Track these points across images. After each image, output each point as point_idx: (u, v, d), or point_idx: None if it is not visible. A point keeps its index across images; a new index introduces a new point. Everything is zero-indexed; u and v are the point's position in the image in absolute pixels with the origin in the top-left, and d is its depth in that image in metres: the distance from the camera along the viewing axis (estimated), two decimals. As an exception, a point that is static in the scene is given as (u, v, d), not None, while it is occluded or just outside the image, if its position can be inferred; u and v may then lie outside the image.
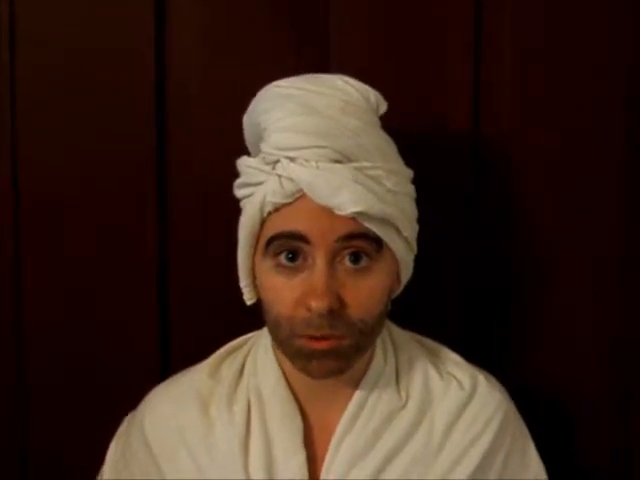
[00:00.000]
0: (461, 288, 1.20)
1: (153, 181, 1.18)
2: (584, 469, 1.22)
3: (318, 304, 0.86)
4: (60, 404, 1.21)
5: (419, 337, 1.07)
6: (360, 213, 0.87)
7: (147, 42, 1.16)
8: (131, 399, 1.05)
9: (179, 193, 1.19)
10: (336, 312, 0.88)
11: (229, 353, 1.04)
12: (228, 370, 1.01)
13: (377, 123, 0.94)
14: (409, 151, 0.97)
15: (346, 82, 0.92)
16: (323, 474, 0.95)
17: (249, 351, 1.03)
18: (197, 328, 1.19)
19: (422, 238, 0.99)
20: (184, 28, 1.17)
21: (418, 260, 0.99)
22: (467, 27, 1.17)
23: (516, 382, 1.07)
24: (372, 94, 0.94)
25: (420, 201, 0.97)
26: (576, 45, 1.17)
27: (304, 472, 0.94)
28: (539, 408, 1.13)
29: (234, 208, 0.95)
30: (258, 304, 0.96)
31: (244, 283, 0.96)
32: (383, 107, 0.95)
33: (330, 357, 0.90)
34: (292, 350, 0.91)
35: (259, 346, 1.01)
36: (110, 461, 1.03)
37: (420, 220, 0.98)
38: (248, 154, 0.97)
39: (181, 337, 1.20)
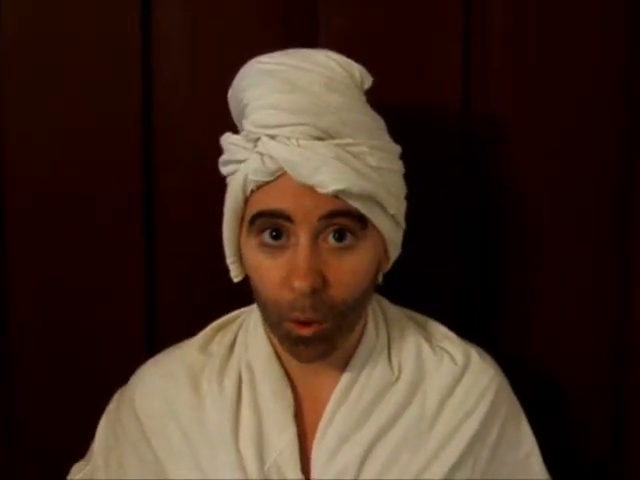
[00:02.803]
0: (451, 275, 1.19)
1: (140, 176, 1.17)
2: (577, 456, 1.21)
3: (301, 283, 0.86)
4: (47, 389, 1.22)
5: (411, 312, 1.06)
6: (342, 191, 0.86)
7: (133, 41, 1.16)
8: (118, 379, 1.05)
9: (166, 187, 1.19)
10: (319, 292, 0.87)
11: (220, 328, 1.04)
12: (219, 345, 1.01)
13: (362, 98, 0.93)
14: (400, 133, 0.96)
15: (330, 57, 0.91)
16: (314, 449, 0.95)
17: (240, 326, 1.03)
18: (184, 312, 1.20)
19: (412, 220, 0.98)
20: (170, 27, 1.16)
21: (408, 242, 0.98)
22: (456, 8, 1.15)
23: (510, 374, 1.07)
24: (356, 69, 0.92)
25: (411, 183, 0.96)
26: (570, 29, 1.15)
27: (294, 447, 0.94)
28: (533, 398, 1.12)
29: (223, 194, 0.94)
30: (247, 283, 0.95)
31: (230, 260, 0.96)
32: (368, 82, 0.93)
33: (316, 342, 0.90)
34: (281, 333, 0.91)
35: (250, 321, 1.01)
36: (100, 436, 1.04)
37: (411, 201, 0.97)
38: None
39: (168, 324, 1.20)
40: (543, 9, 1.15)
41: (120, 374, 1.05)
